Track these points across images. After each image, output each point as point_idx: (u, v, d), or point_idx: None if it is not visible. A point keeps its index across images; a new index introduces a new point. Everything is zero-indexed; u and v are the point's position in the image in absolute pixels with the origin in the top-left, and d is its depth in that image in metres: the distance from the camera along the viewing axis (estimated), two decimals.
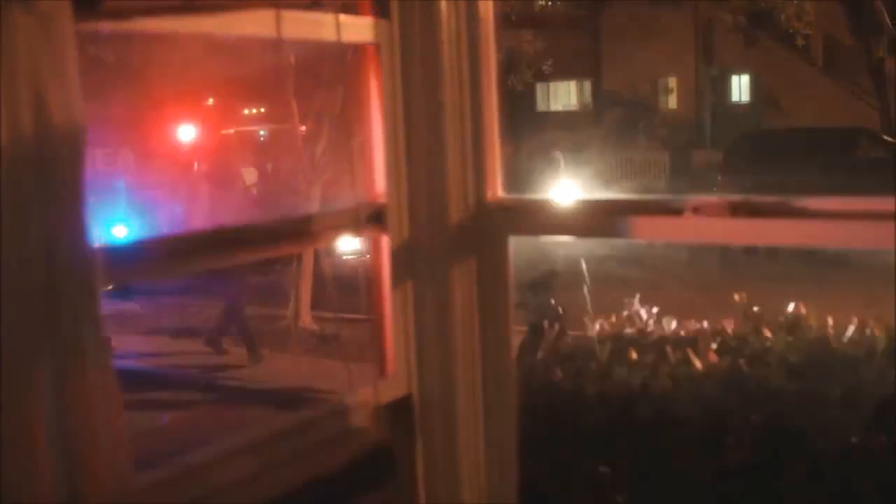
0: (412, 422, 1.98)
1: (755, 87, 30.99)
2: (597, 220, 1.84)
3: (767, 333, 2.94)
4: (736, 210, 1.71)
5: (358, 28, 1.85)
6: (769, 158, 18.82)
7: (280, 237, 1.87)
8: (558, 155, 9.73)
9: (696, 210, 1.74)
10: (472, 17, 1.89)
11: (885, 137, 20.73)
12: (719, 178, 19.67)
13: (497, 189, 1.97)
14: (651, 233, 1.81)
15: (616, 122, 30.11)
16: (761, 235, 1.68)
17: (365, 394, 1.89)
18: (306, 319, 10.92)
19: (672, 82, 32.03)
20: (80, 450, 1.25)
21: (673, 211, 1.75)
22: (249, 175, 14.70)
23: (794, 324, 3.01)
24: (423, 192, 1.93)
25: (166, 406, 8.60)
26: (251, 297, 10.85)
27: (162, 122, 15.95)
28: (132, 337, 10.39)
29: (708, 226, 1.73)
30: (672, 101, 32.15)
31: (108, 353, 1.35)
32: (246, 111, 18.79)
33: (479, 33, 1.89)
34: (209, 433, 7.68)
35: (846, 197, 1.68)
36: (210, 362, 9.74)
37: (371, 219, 1.93)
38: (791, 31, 22.38)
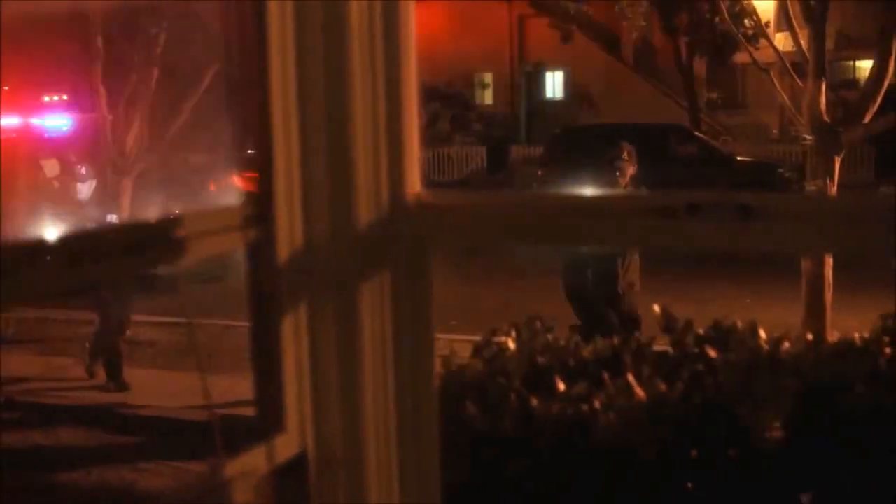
0: (306, 488, 1.50)
1: (569, 83, 31.47)
2: (555, 222, 1.41)
3: (711, 352, 2.57)
4: (747, 212, 1.31)
5: None
6: (588, 153, 18.99)
7: (126, 249, 1.35)
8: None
9: (693, 210, 1.34)
10: None
11: (697, 134, 21.40)
12: (539, 172, 19.77)
13: (416, 183, 1.52)
14: (632, 238, 1.39)
15: (432, 116, 30.04)
16: (783, 242, 1.30)
17: (246, 460, 1.40)
18: None
19: (488, 77, 32.17)
20: None
21: (663, 211, 1.35)
22: (51, 167, 13.66)
23: (726, 337, 2.66)
24: (321, 184, 1.46)
25: None
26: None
27: None
28: None
29: (710, 231, 1.33)
30: (488, 97, 32.29)
31: None
32: (46, 98, 17.50)
33: None
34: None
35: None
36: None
37: (252, 220, 1.44)
38: (625, 23, 22.78)
